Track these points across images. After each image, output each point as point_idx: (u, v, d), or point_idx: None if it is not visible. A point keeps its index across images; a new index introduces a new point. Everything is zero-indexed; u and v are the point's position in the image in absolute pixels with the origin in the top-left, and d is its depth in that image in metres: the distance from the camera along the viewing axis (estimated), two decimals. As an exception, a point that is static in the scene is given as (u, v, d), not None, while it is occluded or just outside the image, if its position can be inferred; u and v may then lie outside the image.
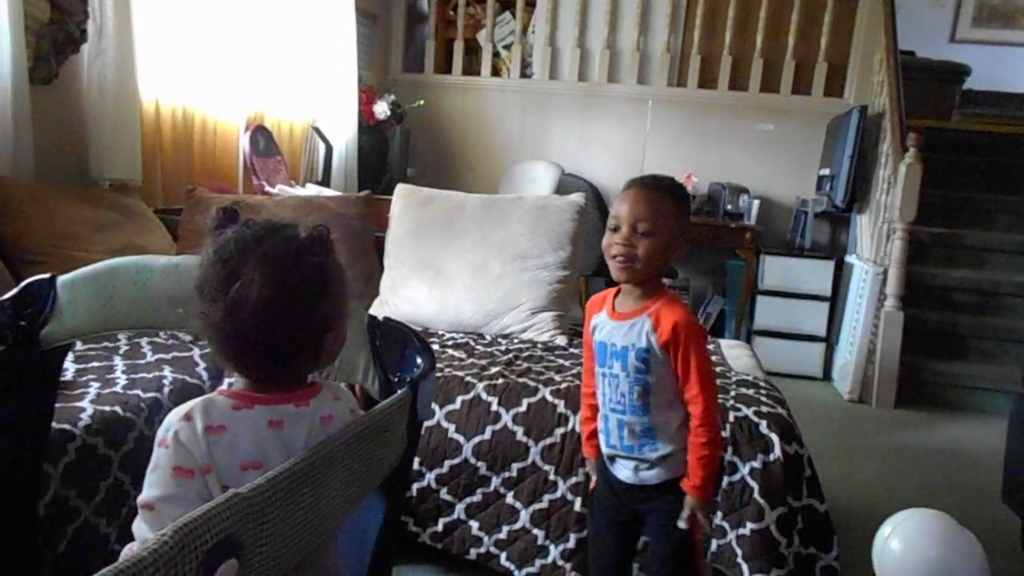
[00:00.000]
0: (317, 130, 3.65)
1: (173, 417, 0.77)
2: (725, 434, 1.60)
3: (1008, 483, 2.09)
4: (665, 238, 1.22)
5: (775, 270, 3.77)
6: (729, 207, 3.94)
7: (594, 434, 1.35)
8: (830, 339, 3.81)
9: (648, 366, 1.22)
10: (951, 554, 1.01)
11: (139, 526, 0.74)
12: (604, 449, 1.30)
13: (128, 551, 0.74)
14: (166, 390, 1.63)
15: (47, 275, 1.04)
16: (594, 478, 1.38)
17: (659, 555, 1.29)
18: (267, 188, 3.04)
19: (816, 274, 3.79)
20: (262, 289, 0.75)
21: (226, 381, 0.95)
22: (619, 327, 1.25)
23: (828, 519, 1.61)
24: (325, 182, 3.56)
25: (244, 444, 0.76)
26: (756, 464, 1.58)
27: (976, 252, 3.85)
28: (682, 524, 1.21)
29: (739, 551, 1.55)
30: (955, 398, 3.40)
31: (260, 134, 3.17)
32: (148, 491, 0.74)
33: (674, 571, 1.28)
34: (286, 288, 0.76)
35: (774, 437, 1.61)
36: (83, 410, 1.44)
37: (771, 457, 1.59)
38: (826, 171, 3.96)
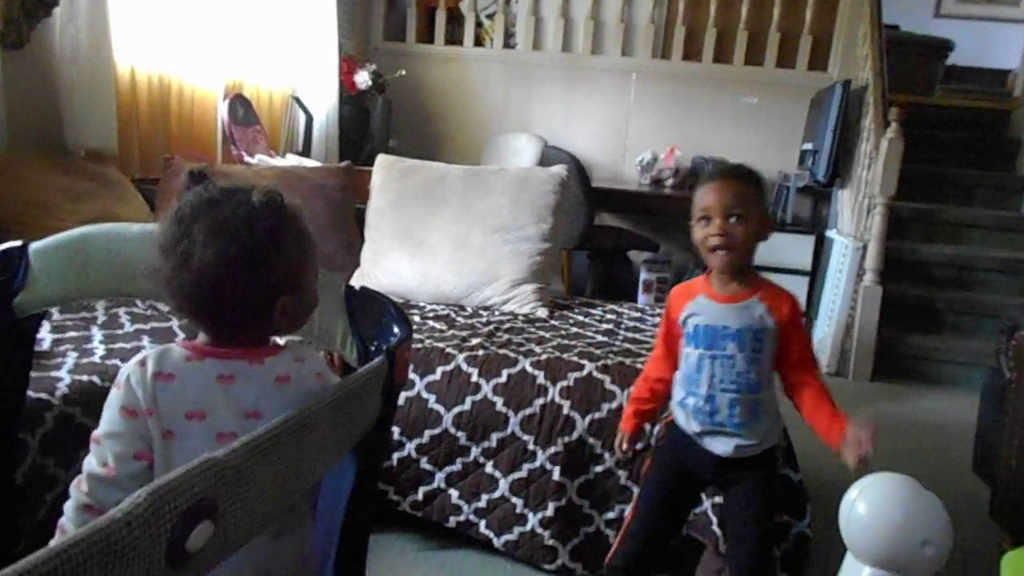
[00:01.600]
0: (297, 99, 3.59)
1: (130, 362, 0.82)
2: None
3: (978, 454, 2.14)
4: (756, 222, 1.30)
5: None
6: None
7: (643, 413, 1.46)
8: (809, 313, 3.85)
9: (762, 345, 1.30)
10: (915, 516, 1.05)
11: (88, 459, 0.80)
12: (697, 427, 1.34)
13: (76, 481, 0.79)
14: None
15: (18, 242, 1.03)
16: (625, 445, 1.48)
17: (752, 518, 1.35)
18: (246, 158, 3.00)
19: (797, 249, 3.81)
20: (205, 250, 0.78)
21: None
22: (730, 309, 1.32)
23: (802, 488, 1.65)
24: (305, 152, 3.52)
25: (190, 393, 0.80)
26: (732, 434, 1.60)
27: (954, 227, 3.89)
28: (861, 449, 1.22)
29: (714, 519, 1.58)
30: (930, 371, 3.45)
31: (239, 103, 3.12)
32: (100, 427, 0.80)
33: (765, 529, 1.36)
34: (230, 251, 0.78)
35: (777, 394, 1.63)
36: (60, 380, 1.43)
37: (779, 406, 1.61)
38: (809, 145, 3.97)
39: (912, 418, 2.98)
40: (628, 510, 1.53)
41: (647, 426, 1.54)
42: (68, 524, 0.78)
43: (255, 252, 0.79)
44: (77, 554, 0.47)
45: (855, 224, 3.64)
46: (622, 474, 1.66)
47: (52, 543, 0.76)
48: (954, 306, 3.60)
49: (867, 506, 1.07)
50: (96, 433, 0.80)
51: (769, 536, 1.40)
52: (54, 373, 1.46)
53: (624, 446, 1.48)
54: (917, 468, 2.43)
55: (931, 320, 3.61)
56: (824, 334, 3.63)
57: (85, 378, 1.46)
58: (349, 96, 3.85)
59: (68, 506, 0.79)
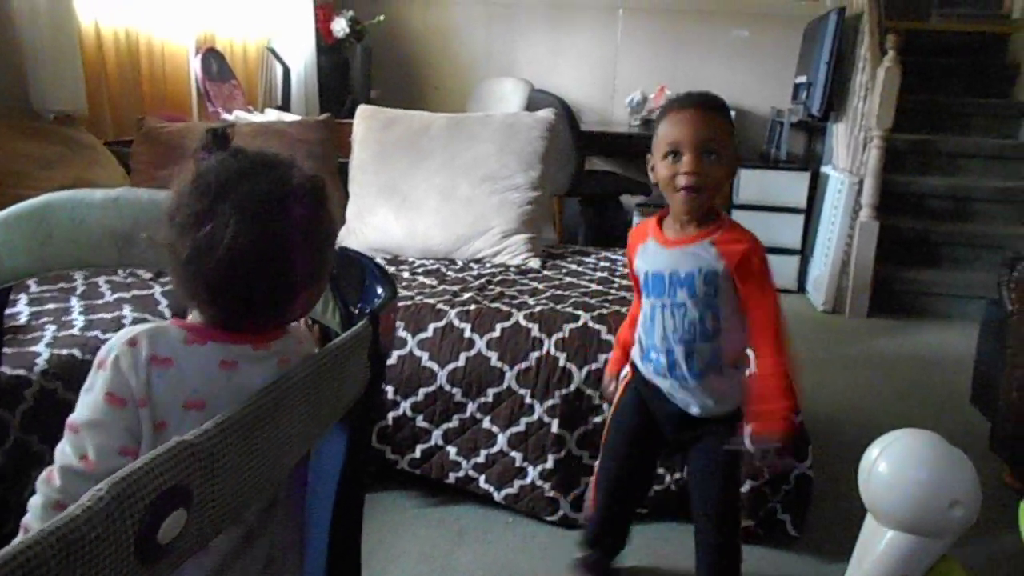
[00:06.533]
0: (272, 51, 3.47)
1: (117, 339, 0.71)
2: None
3: (977, 386, 2.12)
4: (728, 161, 1.17)
5: (750, 183, 3.72)
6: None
7: (626, 354, 1.35)
8: (805, 251, 3.81)
9: (716, 290, 1.18)
10: (942, 475, 0.98)
11: (61, 448, 0.69)
12: (658, 381, 1.26)
13: (46, 474, 0.70)
14: (128, 326, 1.57)
15: (-26, 215, 0.97)
16: (613, 387, 1.40)
17: (717, 472, 1.27)
18: (223, 115, 2.90)
19: (791, 186, 3.75)
20: (236, 236, 0.67)
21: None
22: (679, 254, 1.20)
23: (803, 430, 1.63)
24: (284, 107, 3.41)
25: (190, 381, 0.70)
26: (732, 379, 1.58)
27: (951, 158, 3.82)
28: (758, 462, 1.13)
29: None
30: (927, 305, 3.43)
31: (212, 57, 3.00)
32: (78, 412, 0.70)
33: (722, 485, 1.28)
34: (263, 239, 0.68)
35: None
36: (39, 355, 1.39)
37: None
38: (802, 78, 3.87)
39: (909, 353, 2.97)
40: (596, 466, 1.48)
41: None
42: (35, 523, 0.68)
43: (290, 242, 0.70)
44: (31, 558, 0.43)
45: (851, 159, 3.57)
46: (621, 424, 1.64)
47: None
48: (951, 238, 3.56)
49: (889, 465, 0.99)
50: (74, 419, 0.69)
51: (734, 494, 1.31)
52: (32, 348, 1.41)
53: (612, 387, 1.39)
54: (915, 402, 2.45)
55: (927, 254, 3.57)
56: (820, 272, 3.60)
57: (65, 351, 1.41)
58: (327, 46, 3.72)
59: (34, 503, 0.69)
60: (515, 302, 1.79)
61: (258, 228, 0.68)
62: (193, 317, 0.76)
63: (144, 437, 0.69)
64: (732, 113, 3.76)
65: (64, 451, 0.69)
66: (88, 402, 0.70)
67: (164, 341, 0.71)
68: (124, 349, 0.70)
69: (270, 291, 0.72)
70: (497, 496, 1.68)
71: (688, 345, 1.20)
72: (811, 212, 3.80)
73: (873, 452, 1.03)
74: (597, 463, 1.47)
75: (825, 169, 3.85)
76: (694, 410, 1.25)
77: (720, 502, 1.29)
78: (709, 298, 1.18)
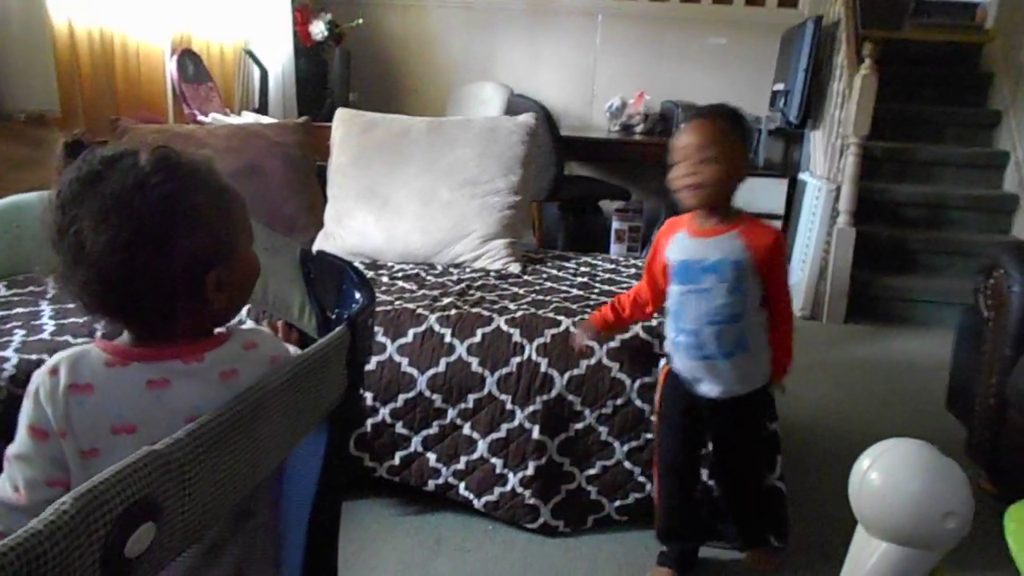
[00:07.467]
0: (250, 53, 3.42)
1: (43, 368, 0.69)
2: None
3: (953, 392, 2.14)
4: (727, 162, 1.32)
5: (729, 189, 3.74)
6: (682, 126, 3.86)
7: (616, 313, 1.52)
8: (783, 257, 3.83)
9: (742, 275, 1.34)
10: (935, 486, 0.97)
11: (2, 477, 0.69)
12: (692, 363, 1.39)
13: None
14: (99, 335, 1.53)
15: (-62, 216, 0.94)
16: (588, 343, 1.57)
17: (744, 451, 1.49)
18: (199, 117, 2.86)
19: (769, 193, 3.77)
20: (96, 236, 0.65)
21: None
22: (708, 243, 1.35)
23: (776, 439, 1.62)
24: (262, 109, 3.37)
25: (115, 406, 0.68)
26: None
27: (926, 166, 3.87)
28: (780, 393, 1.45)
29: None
30: (903, 312, 3.47)
31: (188, 58, 2.96)
32: (13, 444, 0.69)
33: (757, 458, 1.52)
34: (125, 233, 0.65)
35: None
36: (7, 360, 1.36)
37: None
38: (780, 86, 3.90)
39: (886, 358, 3.00)
40: (653, 478, 1.54)
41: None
42: None
43: (157, 227, 0.66)
44: (-11, 576, 0.41)
45: (828, 166, 3.61)
46: (603, 430, 1.63)
47: None
48: (926, 245, 3.61)
49: (881, 476, 0.97)
50: (8, 451, 0.68)
51: (762, 465, 1.53)
52: (0, 353, 1.37)
53: (582, 339, 1.53)
54: (892, 408, 2.47)
55: (903, 260, 3.62)
56: (798, 278, 3.63)
57: (34, 357, 1.38)
58: (305, 48, 3.68)
59: None
60: (496, 307, 1.78)
61: (118, 222, 0.65)
62: (123, 337, 0.73)
63: (71, 466, 0.68)
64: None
65: (2, 483, 0.69)
66: (18, 434, 0.69)
67: (85, 366, 0.69)
68: (44, 379, 0.68)
69: (162, 281, 0.68)
70: (477, 504, 1.66)
71: (717, 326, 1.34)
72: (789, 219, 3.84)
73: (864, 462, 1.01)
74: (654, 478, 1.53)
75: (802, 176, 3.89)
76: (715, 392, 1.37)
77: (752, 472, 1.52)
78: (736, 283, 1.33)
